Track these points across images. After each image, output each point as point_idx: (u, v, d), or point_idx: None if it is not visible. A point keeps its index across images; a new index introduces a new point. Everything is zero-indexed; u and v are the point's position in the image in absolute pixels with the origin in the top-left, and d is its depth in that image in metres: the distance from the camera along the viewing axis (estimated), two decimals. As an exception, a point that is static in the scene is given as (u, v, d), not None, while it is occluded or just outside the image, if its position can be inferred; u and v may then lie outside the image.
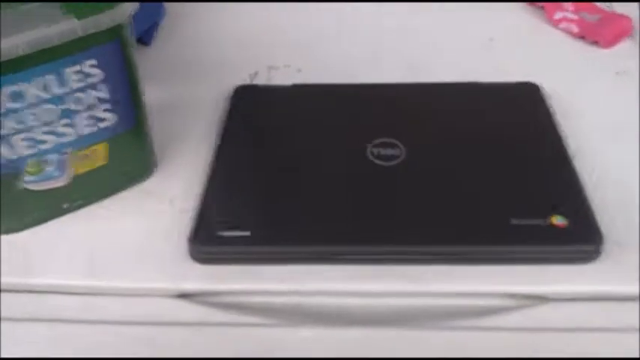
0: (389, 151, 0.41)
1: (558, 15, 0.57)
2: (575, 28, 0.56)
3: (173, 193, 0.41)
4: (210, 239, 0.36)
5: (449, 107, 0.47)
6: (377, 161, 0.41)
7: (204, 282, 0.36)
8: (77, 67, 0.35)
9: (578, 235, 0.36)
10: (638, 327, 0.33)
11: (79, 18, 0.33)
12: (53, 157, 0.37)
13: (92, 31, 0.34)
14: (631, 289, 0.35)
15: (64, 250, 0.37)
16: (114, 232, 0.38)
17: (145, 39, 0.55)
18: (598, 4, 0.59)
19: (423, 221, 0.37)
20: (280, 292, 0.36)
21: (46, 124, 0.36)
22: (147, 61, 0.41)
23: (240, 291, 0.36)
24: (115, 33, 0.36)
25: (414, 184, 0.40)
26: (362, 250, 0.36)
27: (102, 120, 0.38)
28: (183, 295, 0.36)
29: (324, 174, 0.41)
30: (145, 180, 0.42)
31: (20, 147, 0.35)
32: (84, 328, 0.34)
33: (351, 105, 0.47)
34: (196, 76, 0.52)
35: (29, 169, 0.36)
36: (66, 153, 0.37)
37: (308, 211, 0.38)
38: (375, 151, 0.41)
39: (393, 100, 0.47)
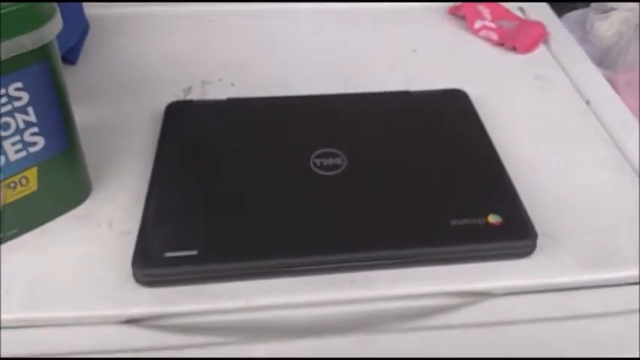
0: (330, 161, 0.42)
1: (478, 24, 0.60)
2: (494, 36, 0.59)
3: (111, 216, 0.40)
4: (156, 261, 0.35)
5: (384, 116, 0.48)
6: (320, 172, 0.41)
7: (152, 305, 0.35)
8: (2, 91, 0.33)
9: (513, 232, 0.38)
10: (579, 314, 0.36)
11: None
12: (-21, 186, 0.35)
13: (15, 53, 0.33)
14: (566, 279, 0.37)
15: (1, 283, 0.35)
16: (53, 261, 0.37)
17: (69, 57, 0.53)
18: (507, 4, 0.63)
19: (368, 228, 0.38)
20: (232, 309, 0.35)
21: (-29, 152, 0.34)
22: (74, 81, 0.39)
23: (191, 312, 0.35)
24: (40, 54, 0.34)
25: (357, 192, 0.40)
26: (310, 261, 0.36)
27: (31, 144, 0.36)
28: (131, 321, 0.34)
29: (268, 187, 0.41)
30: (80, 204, 0.41)
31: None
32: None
33: (289, 117, 0.47)
34: (127, 93, 0.51)
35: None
36: (-6, 181, 0.35)
37: (255, 225, 0.38)
38: (318, 161, 0.42)
39: (330, 110, 0.48)
